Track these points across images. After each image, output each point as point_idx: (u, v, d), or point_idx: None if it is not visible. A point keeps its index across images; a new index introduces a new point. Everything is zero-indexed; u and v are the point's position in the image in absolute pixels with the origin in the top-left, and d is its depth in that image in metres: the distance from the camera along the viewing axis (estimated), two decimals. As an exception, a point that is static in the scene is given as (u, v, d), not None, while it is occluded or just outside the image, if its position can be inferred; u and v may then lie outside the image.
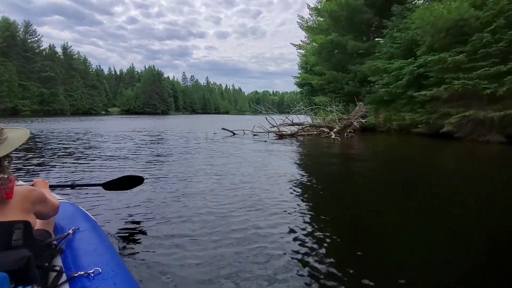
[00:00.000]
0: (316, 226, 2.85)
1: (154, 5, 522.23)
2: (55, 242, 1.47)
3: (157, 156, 7.15)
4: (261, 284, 1.87)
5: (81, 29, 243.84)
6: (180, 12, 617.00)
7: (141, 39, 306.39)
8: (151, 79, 76.37)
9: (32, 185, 1.71)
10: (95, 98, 62.08)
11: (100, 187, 2.89)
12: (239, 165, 6.02)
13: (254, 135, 13.59)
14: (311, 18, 20.72)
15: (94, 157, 6.83)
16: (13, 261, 0.98)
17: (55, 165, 5.71)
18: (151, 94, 74.81)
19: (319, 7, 19.30)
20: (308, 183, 4.65)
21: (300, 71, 25.58)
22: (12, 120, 25.79)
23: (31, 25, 51.33)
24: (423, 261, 2.29)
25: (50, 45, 55.24)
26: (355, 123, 14.50)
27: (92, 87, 62.17)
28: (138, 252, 2.24)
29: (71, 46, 59.79)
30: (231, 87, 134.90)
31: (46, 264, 1.25)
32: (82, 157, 6.74)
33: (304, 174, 5.49)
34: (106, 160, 6.44)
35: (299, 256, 2.23)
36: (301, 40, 24.06)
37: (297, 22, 21.12)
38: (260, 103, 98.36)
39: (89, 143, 9.78)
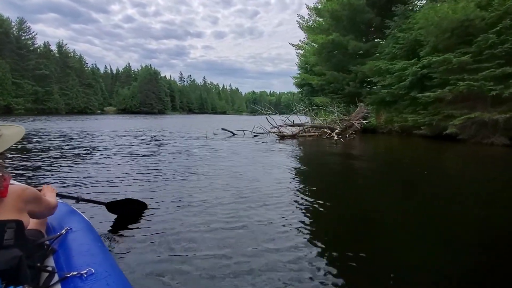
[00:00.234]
0: (318, 226, 2.88)
1: (151, 4, 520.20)
2: (47, 242, 1.45)
3: (155, 156, 6.86)
4: (260, 284, 1.85)
5: (77, 27, 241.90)
6: (178, 12, 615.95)
7: (138, 38, 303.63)
8: (147, 78, 75.74)
9: (40, 190, 1.73)
10: (90, 97, 61.30)
11: (103, 206, 2.79)
12: (242, 168, 5.75)
13: (255, 135, 13.34)
14: (311, 18, 20.58)
15: (87, 159, 6.51)
16: (4, 260, 0.97)
17: (45, 167, 5.38)
18: (147, 94, 74.19)
19: (319, 7, 19.12)
20: (313, 185, 4.62)
21: (299, 71, 25.36)
22: (4, 118, 25.20)
23: (25, 22, 50.50)
24: (423, 261, 2.29)
25: (45, 42, 54.47)
26: (356, 124, 14.31)
27: (88, 86, 61.37)
28: (132, 253, 2.21)
29: (66, 44, 59.05)
30: (228, 87, 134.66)
31: (38, 264, 1.23)
32: (73, 159, 6.41)
33: (308, 176, 5.42)
34: (99, 163, 6.11)
35: (300, 256, 2.23)
36: (300, 40, 23.92)
37: (297, 22, 20.97)
38: (257, 103, 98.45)
39: (82, 143, 9.43)
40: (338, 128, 13.38)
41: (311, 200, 3.69)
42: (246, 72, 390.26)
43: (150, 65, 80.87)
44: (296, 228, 2.77)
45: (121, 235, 2.54)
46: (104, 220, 2.80)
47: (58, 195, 1.97)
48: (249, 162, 6.48)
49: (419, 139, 12.48)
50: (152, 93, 75.23)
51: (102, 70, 79.31)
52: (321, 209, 3.39)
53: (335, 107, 15.56)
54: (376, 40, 17.83)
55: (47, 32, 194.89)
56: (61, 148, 8.01)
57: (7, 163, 1.24)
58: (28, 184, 1.94)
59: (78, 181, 4.40)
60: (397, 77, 13.24)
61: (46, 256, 1.37)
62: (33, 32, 51.40)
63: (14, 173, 4.81)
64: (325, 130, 13.32)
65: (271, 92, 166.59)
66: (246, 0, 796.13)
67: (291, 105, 20.52)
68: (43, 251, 1.38)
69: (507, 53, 9.63)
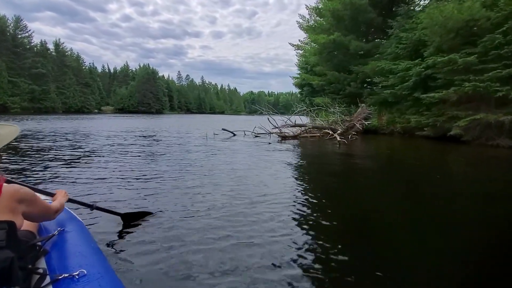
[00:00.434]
0: (320, 226, 2.89)
1: (149, 3, 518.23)
2: (39, 243, 1.41)
3: (155, 157, 6.63)
4: (257, 284, 1.84)
5: (74, 25, 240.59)
6: (176, 11, 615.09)
7: (136, 37, 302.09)
8: (145, 78, 75.22)
9: (54, 195, 1.76)
10: (88, 96, 60.74)
11: (119, 217, 2.68)
12: (248, 172, 5.55)
13: (256, 136, 13.13)
14: (311, 18, 20.42)
15: (82, 160, 6.26)
16: None
17: (38, 168, 5.12)
18: (145, 93, 73.67)
19: (319, 6, 18.94)
20: (322, 189, 4.62)
21: (299, 72, 25.19)
22: (0, 117, 24.80)
23: (22, 20, 49.98)
24: (423, 261, 2.29)
25: (41, 41, 53.81)
26: (357, 125, 14.15)
27: (85, 85, 60.81)
28: (125, 254, 2.17)
29: (63, 43, 58.53)
30: (226, 87, 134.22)
31: (30, 266, 1.20)
32: (67, 160, 6.15)
33: (318, 179, 5.35)
34: (95, 165, 5.87)
35: (300, 255, 2.24)
36: (300, 40, 23.77)
37: (297, 22, 20.81)
38: (255, 103, 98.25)
39: (77, 144, 9.15)
40: (340, 129, 13.20)
41: (318, 200, 3.71)
42: (244, 72, 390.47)
43: (148, 64, 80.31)
44: (298, 228, 2.78)
45: (116, 237, 2.49)
46: (98, 220, 2.73)
47: (71, 200, 1.96)
48: (254, 164, 6.26)
49: (422, 141, 12.33)
50: (150, 93, 74.70)
51: (99, 69, 78.70)
52: (326, 209, 3.47)
53: (337, 107, 15.39)
54: (377, 40, 17.69)
55: (44, 30, 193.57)
56: (55, 149, 7.73)
57: (2, 164, 1.12)
58: (44, 187, 2.05)
59: (74, 183, 4.16)
60: (400, 77, 13.08)
61: (38, 257, 1.33)
62: (29, 30, 50.97)
63: (3, 173, 4.55)
64: (327, 131, 13.13)
65: (269, 92, 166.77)
66: (245, 0, 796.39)
67: (293, 105, 20.34)
68: (35, 252, 1.34)
69: (513, 54, 9.49)
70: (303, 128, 13.59)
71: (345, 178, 5.82)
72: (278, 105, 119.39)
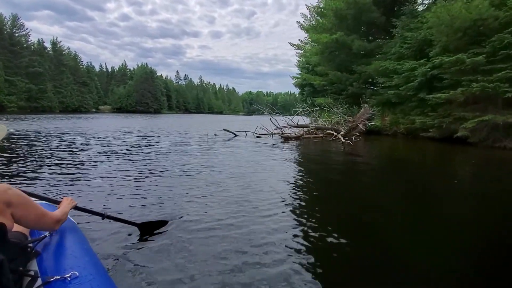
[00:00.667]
0: (322, 227, 2.88)
1: (147, 2, 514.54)
2: (31, 245, 1.37)
3: (154, 158, 6.35)
4: (257, 284, 1.83)
5: (71, 24, 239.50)
6: (174, 11, 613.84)
7: (134, 36, 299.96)
8: (143, 77, 74.73)
9: (59, 202, 1.73)
10: (85, 95, 60.19)
11: (136, 228, 2.46)
12: (255, 176, 5.28)
13: (257, 136, 12.86)
14: (312, 18, 20.18)
15: (78, 162, 5.96)
16: None
17: (30, 172, 4.80)
18: (143, 93, 73.20)
19: (321, 6, 18.70)
20: (326, 190, 4.66)
21: (300, 72, 24.95)
22: (-5, 116, 24.37)
23: (19, 18, 49.38)
24: (423, 261, 2.30)
25: (39, 39, 53.30)
26: (360, 126, 13.91)
27: (83, 84, 60.26)
28: (119, 255, 2.12)
29: (60, 42, 57.91)
30: (224, 87, 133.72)
31: (21, 268, 1.18)
32: (63, 163, 5.86)
33: (321, 180, 5.29)
34: (92, 167, 5.58)
35: (300, 255, 2.25)
36: (300, 40, 23.54)
37: (297, 22, 20.59)
38: (254, 103, 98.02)
39: (73, 145, 8.84)
40: (343, 130, 12.97)
41: (322, 201, 3.79)
42: (243, 72, 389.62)
43: (146, 64, 79.73)
44: (300, 228, 2.80)
45: (109, 238, 2.40)
46: (92, 221, 2.62)
47: (79, 209, 1.91)
48: (260, 168, 6.00)
49: (427, 142, 12.13)
50: (148, 92, 74.22)
51: (97, 69, 78.15)
52: (328, 210, 3.51)
53: (340, 107, 15.15)
54: (379, 40, 17.47)
55: (41, 29, 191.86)
56: (50, 150, 7.41)
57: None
58: (38, 192, 1.89)
59: (70, 186, 3.87)
60: (405, 77, 12.86)
61: (29, 259, 1.30)
62: (26, 29, 50.36)
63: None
64: (330, 131, 12.89)
65: (268, 92, 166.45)
66: (243, 0, 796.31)
67: (295, 104, 20.08)
68: (26, 254, 1.30)
69: (522, 54, 9.30)
70: (305, 129, 13.34)
71: (350, 179, 5.73)
72: (277, 105, 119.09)
